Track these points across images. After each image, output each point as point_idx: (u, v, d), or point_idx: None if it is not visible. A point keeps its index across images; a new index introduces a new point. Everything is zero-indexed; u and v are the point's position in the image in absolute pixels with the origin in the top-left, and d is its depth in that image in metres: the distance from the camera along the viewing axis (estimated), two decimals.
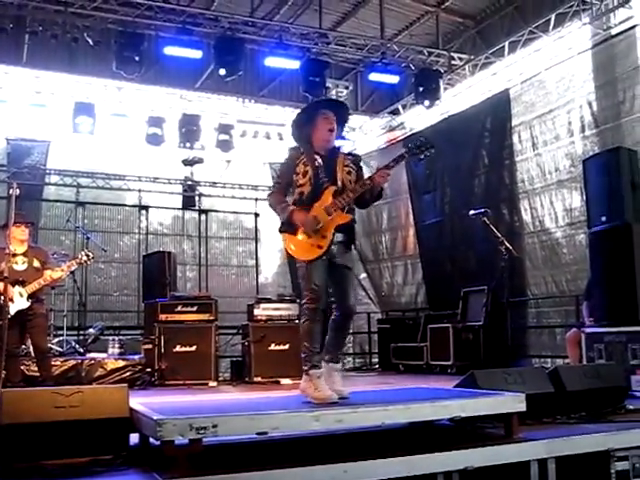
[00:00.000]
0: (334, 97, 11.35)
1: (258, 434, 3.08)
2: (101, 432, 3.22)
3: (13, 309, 6.02)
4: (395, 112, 13.18)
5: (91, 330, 9.55)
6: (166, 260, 9.73)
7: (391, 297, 13.00)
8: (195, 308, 8.58)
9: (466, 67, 11.42)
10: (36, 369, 6.59)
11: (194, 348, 8.34)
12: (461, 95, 11.80)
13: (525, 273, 9.67)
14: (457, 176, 11.01)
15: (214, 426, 2.92)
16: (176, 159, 12.61)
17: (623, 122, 8.34)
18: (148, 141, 11.63)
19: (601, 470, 3.66)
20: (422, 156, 4.19)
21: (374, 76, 11.29)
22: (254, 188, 13.80)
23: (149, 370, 8.15)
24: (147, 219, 12.92)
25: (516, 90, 10.06)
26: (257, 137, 13.09)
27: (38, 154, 11.81)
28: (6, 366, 5.49)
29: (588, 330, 6.42)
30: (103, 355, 8.42)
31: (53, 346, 8.31)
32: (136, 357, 8.34)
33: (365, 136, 14.05)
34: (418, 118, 12.68)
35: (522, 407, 3.67)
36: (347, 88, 12.09)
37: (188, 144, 12.02)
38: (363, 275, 13.38)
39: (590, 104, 8.81)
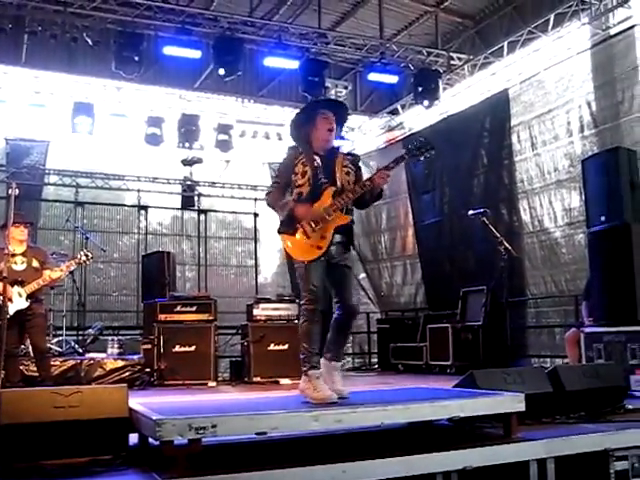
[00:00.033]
0: (333, 97, 11.35)
1: (257, 434, 3.08)
2: (100, 432, 3.22)
3: (12, 309, 6.02)
4: (394, 112, 13.18)
5: (90, 330, 9.54)
6: (165, 260, 9.73)
7: (390, 297, 13.00)
8: (194, 308, 8.58)
9: (465, 67, 11.42)
10: (35, 369, 6.58)
11: (193, 348, 8.33)
12: (460, 95, 11.81)
13: (524, 273, 9.68)
14: (456, 176, 11.01)
15: (213, 426, 2.92)
16: (175, 159, 12.60)
17: (622, 122, 8.35)
18: (147, 141, 11.63)
19: (600, 470, 3.67)
20: (422, 157, 4.19)
21: (373, 76, 11.29)
22: (253, 188, 13.81)
23: (148, 370, 8.15)
24: (146, 219, 12.91)
25: (515, 90, 10.07)
26: (256, 137, 13.09)
27: (37, 154, 11.81)
28: (5, 366, 5.48)
29: (587, 330, 6.42)
30: (102, 355, 8.42)
31: (52, 346, 8.31)
32: (135, 357, 8.34)
33: (364, 136, 14.05)
34: (417, 118, 12.68)
35: (521, 407, 3.67)
36: (346, 88, 12.09)
37: (187, 144, 12.03)
38: (362, 275, 13.39)
39: (589, 104, 8.82)
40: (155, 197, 13.15)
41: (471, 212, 7.29)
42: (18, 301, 6.15)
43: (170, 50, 9.87)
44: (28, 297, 6.20)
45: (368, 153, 13.30)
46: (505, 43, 10.44)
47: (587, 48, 9.12)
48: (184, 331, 8.42)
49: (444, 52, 11.50)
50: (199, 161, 12.70)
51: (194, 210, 13.35)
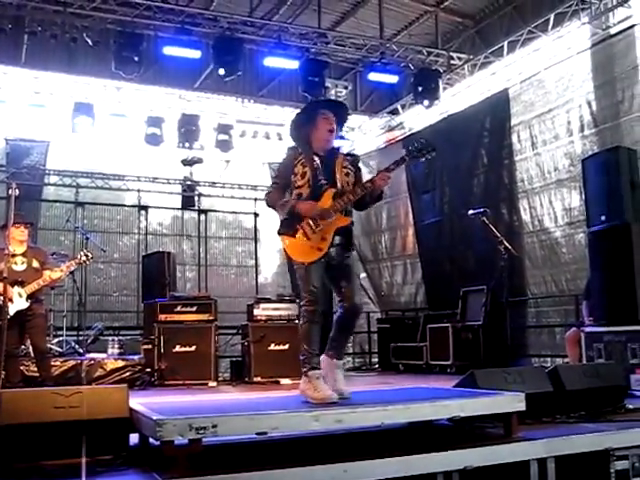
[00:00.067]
0: (333, 97, 11.36)
1: (258, 434, 3.08)
2: (101, 432, 3.22)
3: (12, 309, 6.02)
4: (394, 112, 13.18)
5: (90, 332, 9.54)
6: (165, 260, 9.73)
7: (390, 297, 13.00)
8: (195, 308, 8.58)
9: (465, 67, 11.43)
10: (35, 369, 6.58)
11: (194, 348, 8.33)
12: (460, 95, 11.81)
13: (524, 273, 9.68)
14: (456, 176, 11.01)
15: (214, 426, 2.92)
16: (175, 159, 12.61)
17: (622, 121, 8.35)
18: (147, 141, 11.63)
19: (601, 469, 3.67)
20: (423, 159, 4.18)
21: (373, 76, 11.29)
22: (253, 188, 13.80)
23: (149, 370, 8.15)
24: (146, 219, 12.91)
25: (515, 90, 10.07)
26: (256, 137, 13.09)
27: (37, 154, 11.81)
28: (5, 366, 5.48)
29: (587, 329, 6.42)
30: (103, 355, 8.42)
31: (53, 346, 8.31)
32: (136, 357, 8.33)
33: (364, 136, 14.05)
34: (417, 118, 12.68)
35: (522, 407, 3.67)
36: (346, 88, 12.09)
37: (187, 144, 12.03)
38: (362, 275, 13.38)
39: (589, 103, 8.82)
40: (155, 197, 13.15)
41: (471, 212, 7.30)
42: (18, 301, 6.15)
43: (170, 50, 9.87)
44: (28, 297, 6.20)
45: (368, 153, 13.31)
46: (505, 43, 10.44)
47: (587, 48, 9.12)
48: (184, 331, 8.42)
49: (444, 52, 11.50)
50: (199, 161, 12.70)
51: (194, 210, 13.35)
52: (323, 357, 4.07)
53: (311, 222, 3.99)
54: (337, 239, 4.04)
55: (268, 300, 9.14)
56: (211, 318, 8.57)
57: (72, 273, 8.21)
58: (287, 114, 12.56)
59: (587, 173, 6.85)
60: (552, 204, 9.35)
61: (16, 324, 6.07)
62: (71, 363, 7.80)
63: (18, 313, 6.12)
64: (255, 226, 13.71)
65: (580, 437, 3.68)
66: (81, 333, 9.64)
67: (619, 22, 8.97)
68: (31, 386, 5.87)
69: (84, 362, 7.89)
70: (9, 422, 3.07)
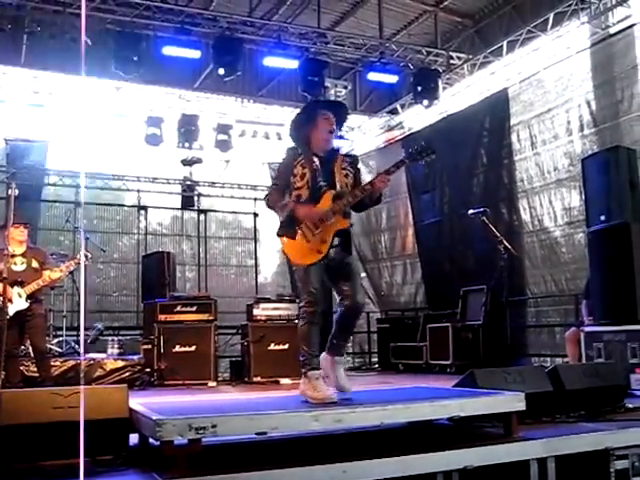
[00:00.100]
0: (333, 97, 11.38)
1: (257, 434, 3.08)
2: (100, 433, 3.21)
3: (12, 310, 6.02)
4: (394, 112, 13.18)
5: (89, 332, 9.54)
6: (165, 260, 9.73)
7: (390, 297, 13.00)
8: (194, 308, 8.57)
9: (465, 66, 11.43)
10: (35, 370, 6.59)
11: (193, 348, 8.33)
12: (460, 94, 11.81)
13: (524, 272, 9.68)
14: (456, 175, 11.01)
15: (213, 426, 2.92)
16: (175, 159, 12.60)
17: (621, 121, 8.35)
18: (147, 141, 11.63)
19: (601, 469, 3.67)
20: (422, 162, 4.18)
21: (373, 76, 11.29)
22: (253, 188, 13.81)
23: (148, 370, 8.15)
24: (146, 219, 12.91)
25: (515, 89, 10.07)
26: (256, 137, 13.09)
27: (37, 154, 11.80)
28: (5, 367, 5.48)
29: (587, 329, 6.42)
30: (102, 355, 8.41)
31: (52, 346, 8.31)
32: (135, 357, 8.33)
33: (364, 136, 14.05)
34: (417, 118, 12.69)
35: (521, 406, 3.67)
36: (346, 88, 12.09)
37: (187, 144, 12.03)
38: (362, 275, 13.36)
39: (589, 103, 8.82)
40: (155, 197, 13.16)
41: (471, 211, 7.30)
42: (18, 302, 6.15)
43: (169, 50, 9.87)
44: (28, 298, 6.20)
45: (367, 153, 13.31)
46: (504, 42, 10.45)
47: (586, 47, 9.12)
48: (184, 331, 8.41)
49: (443, 51, 11.50)
50: (199, 161, 12.70)
51: (194, 210, 13.35)
52: (323, 355, 4.08)
53: (310, 224, 3.98)
54: (336, 240, 4.02)
55: (268, 300, 9.14)
56: (211, 318, 8.57)
57: (72, 273, 8.21)
58: (287, 114, 12.57)
59: (587, 173, 6.85)
60: (552, 204, 9.35)
61: (16, 324, 6.08)
62: (71, 363, 7.78)
63: (18, 313, 6.12)
64: (255, 226, 13.72)
65: (580, 437, 3.68)
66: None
67: (618, 22, 8.98)
68: (31, 386, 5.87)
69: (83, 362, 7.89)
70: (9, 422, 3.07)
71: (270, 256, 13.90)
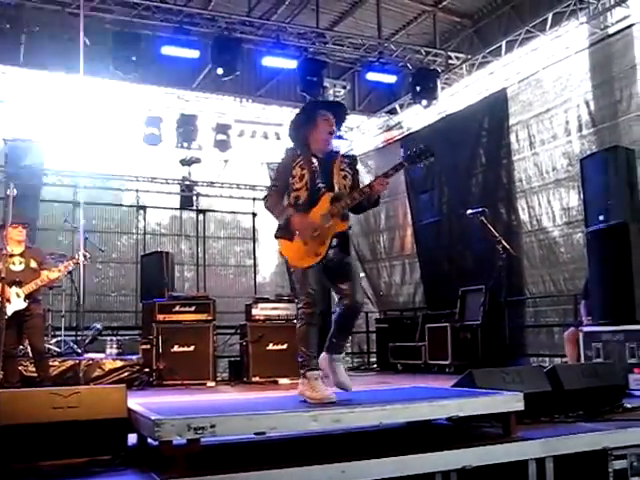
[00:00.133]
0: (331, 96, 11.38)
1: (256, 434, 3.08)
2: (99, 432, 3.21)
3: (10, 310, 6.01)
4: (392, 112, 13.19)
5: (88, 332, 9.54)
6: (164, 260, 9.72)
7: (389, 297, 13.00)
8: (193, 308, 8.57)
9: (463, 66, 11.44)
10: (34, 370, 6.58)
11: (192, 348, 8.33)
12: (458, 94, 11.81)
13: (523, 272, 9.68)
14: (454, 175, 11.01)
15: (212, 426, 2.92)
16: (174, 159, 12.60)
17: (620, 121, 8.35)
18: (145, 141, 11.63)
19: (599, 469, 3.67)
20: (421, 165, 4.17)
21: (371, 75, 11.30)
22: (252, 188, 13.81)
23: (147, 370, 8.14)
24: (145, 219, 12.91)
25: (513, 89, 10.07)
26: (255, 137, 13.09)
27: (35, 154, 11.77)
28: (4, 367, 5.50)
29: (586, 329, 6.42)
30: (101, 355, 8.41)
31: (51, 346, 8.30)
32: (134, 357, 8.32)
33: (362, 136, 14.05)
34: (415, 117, 12.69)
35: (520, 406, 3.67)
36: (344, 88, 12.09)
37: (185, 144, 12.03)
38: (361, 275, 13.37)
39: (587, 103, 8.83)
40: (153, 197, 13.15)
41: (469, 211, 7.31)
42: (16, 302, 6.14)
43: (168, 50, 9.87)
44: (26, 298, 6.20)
45: (366, 153, 13.32)
46: (503, 42, 10.46)
47: (585, 47, 9.13)
48: (183, 331, 8.41)
49: (442, 51, 11.51)
50: (197, 161, 12.70)
51: (193, 210, 13.36)
52: (322, 355, 4.07)
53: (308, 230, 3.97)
54: (334, 241, 4.02)
55: (266, 300, 9.14)
56: (209, 318, 8.57)
57: (70, 273, 8.21)
58: (285, 114, 12.58)
59: (585, 173, 6.86)
60: (550, 204, 9.35)
61: (14, 324, 6.07)
62: (69, 363, 7.79)
63: (16, 313, 6.11)
64: (253, 226, 13.72)
65: (578, 437, 3.68)
66: (79, 333, 9.66)
67: (617, 22, 8.98)
68: (29, 386, 5.86)
69: (82, 362, 7.89)
70: (7, 422, 3.06)
71: (269, 256, 13.89)
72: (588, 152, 8.20)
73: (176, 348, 8.29)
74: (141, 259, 11.16)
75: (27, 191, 10.81)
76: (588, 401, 4.41)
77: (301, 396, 3.91)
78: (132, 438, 3.41)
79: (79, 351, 8.65)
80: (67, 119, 10.90)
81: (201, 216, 13.40)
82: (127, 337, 10.24)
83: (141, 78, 10.46)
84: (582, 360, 6.24)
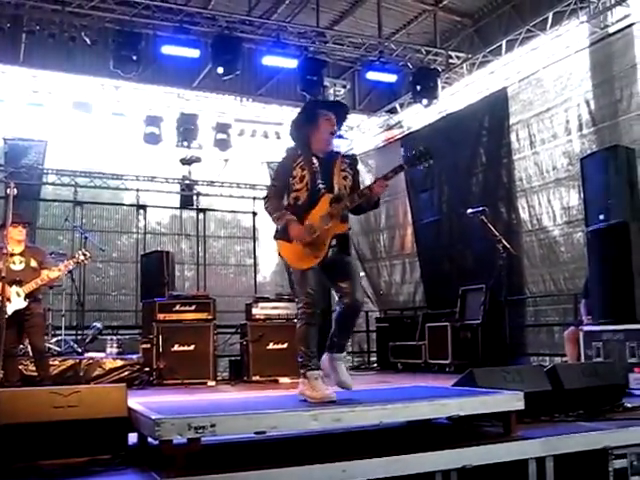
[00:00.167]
0: (332, 96, 11.38)
1: (256, 433, 3.08)
2: (99, 432, 3.21)
3: (10, 309, 6.01)
4: (393, 111, 13.19)
5: (88, 331, 9.54)
6: (164, 259, 9.72)
7: (389, 296, 13.00)
8: (193, 307, 8.57)
9: (464, 66, 11.43)
10: (34, 369, 6.58)
11: (192, 347, 8.32)
12: (459, 94, 11.81)
13: (523, 271, 9.68)
14: (455, 175, 11.01)
15: (212, 425, 2.92)
16: (174, 158, 12.60)
17: (620, 120, 8.35)
18: (146, 140, 11.62)
19: (599, 468, 3.67)
20: (421, 167, 4.16)
21: (372, 75, 11.29)
22: (252, 187, 13.80)
23: (147, 369, 8.15)
24: (145, 218, 12.90)
25: (514, 89, 10.07)
26: (255, 136, 13.08)
27: (35, 153, 11.80)
28: (4, 366, 5.50)
29: (586, 328, 6.42)
30: (101, 355, 8.42)
31: (51, 346, 8.31)
32: (134, 356, 8.33)
33: (363, 135, 14.05)
34: (416, 117, 12.69)
35: (520, 405, 3.67)
36: (345, 87, 12.09)
37: (186, 143, 12.03)
38: (361, 274, 13.38)
39: (588, 102, 8.82)
40: (154, 196, 13.15)
41: (470, 211, 7.31)
42: (16, 301, 6.14)
43: (168, 49, 9.87)
44: (26, 297, 6.20)
45: (366, 152, 13.32)
46: (504, 42, 10.45)
47: (585, 46, 9.12)
48: (183, 330, 8.41)
49: (443, 51, 11.51)
50: (198, 160, 12.70)
51: (193, 209, 13.35)
52: (324, 357, 4.07)
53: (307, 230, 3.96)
54: (334, 241, 4.02)
55: (267, 299, 9.15)
56: (210, 317, 8.57)
57: (71, 272, 8.22)
58: (285, 113, 12.58)
59: (586, 172, 6.85)
60: (551, 203, 9.35)
61: (14, 323, 6.07)
62: (70, 362, 7.80)
63: (16, 312, 6.11)
64: (254, 225, 13.71)
65: (578, 436, 3.68)
66: (80, 332, 9.67)
67: (617, 21, 8.98)
68: (29, 385, 5.86)
69: (83, 361, 7.91)
70: (7, 422, 3.06)
71: (269, 255, 13.88)
72: (588, 151, 8.20)
73: (176, 347, 8.29)
74: (141, 258, 11.15)
75: (27, 190, 10.87)
76: (588, 400, 4.41)
77: (301, 396, 3.91)
78: (132, 437, 3.41)
79: (79, 350, 8.66)
80: (67, 118, 10.88)
81: (201, 215, 13.39)
82: (127, 336, 10.24)
83: (141, 77, 10.46)
84: (582, 359, 6.24)
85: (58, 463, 3.07)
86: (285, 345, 8.51)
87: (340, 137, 12.27)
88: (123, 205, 13.07)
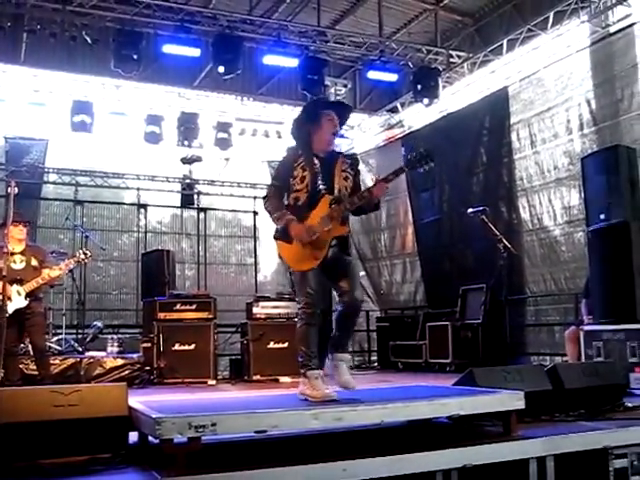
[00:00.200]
0: (332, 95, 11.38)
1: (257, 432, 3.08)
2: (100, 431, 3.22)
3: (11, 308, 6.02)
4: (394, 110, 13.18)
5: (89, 330, 9.55)
6: (165, 258, 9.71)
7: (390, 295, 13.00)
8: (194, 306, 8.57)
9: (465, 65, 11.43)
10: (35, 368, 6.59)
11: (193, 346, 8.33)
12: (460, 93, 11.80)
13: (524, 271, 9.68)
14: (456, 174, 11.00)
15: (213, 424, 2.92)
16: (174, 157, 12.60)
17: (621, 120, 8.35)
18: (146, 139, 11.62)
19: (600, 468, 3.67)
20: (422, 170, 4.16)
21: (373, 74, 11.28)
22: (253, 186, 13.79)
23: (148, 368, 8.15)
24: (146, 217, 12.90)
25: (515, 88, 10.06)
26: (256, 135, 13.07)
27: (36, 152, 11.80)
28: (5, 365, 5.50)
29: (587, 328, 6.42)
30: (102, 354, 8.42)
31: (52, 345, 8.31)
32: (135, 356, 8.34)
33: (363, 134, 14.04)
34: (417, 116, 12.67)
35: (521, 405, 3.68)
36: (345, 86, 12.09)
37: (186, 142, 12.01)
38: (362, 273, 13.36)
39: (588, 102, 8.82)
40: (154, 195, 13.15)
41: (470, 210, 7.31)
42: (17, 300, 6.15)
43: (169, 48, 9.86)
44: (27, 296, 6.20)
45: (367, 151, 13.32)
46: (505, 41, 10.45)
47: (586, 46, 9.12)
48: (184, 329, 8.41)
49: (443, 50, 11.50)
50: (198, 159, 12.69)
51: (193, 208, 13.35)
52: (328, 360, 4.06)
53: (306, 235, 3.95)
54: (334, 242, 4.01)
55: (267, 298, 9.15)
56: (210, 316, 8.57)
57: (71, 271, 8.22)
58: (286, 112, 12.59)
59: (586, 172, 6.85)
60: (551, 202, 9.35)
61: (15, 322, 6.08)
62: (70, 361, 7.80)
63: (17, 311, 6.12)
64: (254, 224, 13.71)
65: (579, 435, 3.68)
66: (80, 331, 9.67)
67: (619, 20, 8.98)
68: (30, 384, 5.87)
69: (83, 360, 7.91)
70: (8, 420, 3.07)
71: (270, 254, 13.86)
72: (589, 151, 8.20)
73: (177, 346, 8.29)
74: (142, 257, 11.14)
75: (28, 189, 10.86)
76: (589, 400, 4.41)
77: (302, 396, 3.91)
78: (133, 436, 3.41)
79: (80, 349, 8.67)
80: (68, 117, 10.88)
81: (202, 214, 13.39)
82: (128, 335, 10.26)
83: (142, 76, 10.46)
84: (583, 359, 6.25)
85: (58, 462, 3.08)
86: (286, 344, 8.51)
87: (341, 136, 12.27)
88: (124, 204, 13.07)
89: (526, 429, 3.73)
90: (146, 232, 12.83)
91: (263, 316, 8.86)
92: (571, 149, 9.03)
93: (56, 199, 12.24)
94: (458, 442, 3.44)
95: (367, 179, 10.20)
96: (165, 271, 9.52)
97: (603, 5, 9.16)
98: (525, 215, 9.77)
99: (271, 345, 8.61)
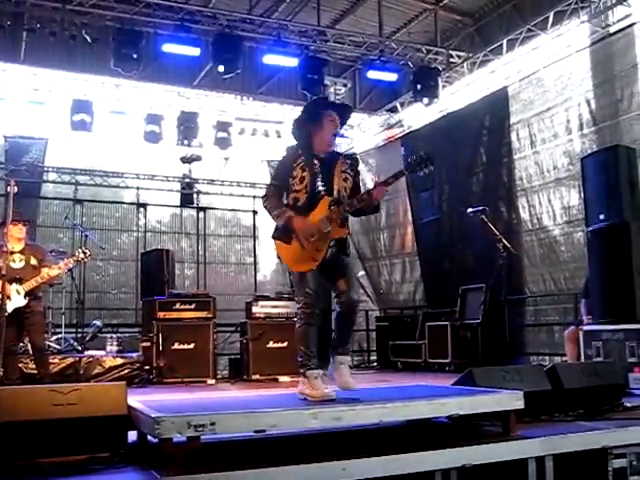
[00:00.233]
0: (332, 95, 11.37)
1: (256, 432, 3.08)
2: (99, 430, 3.22)
3: (10, 307, 6.01)
4: (393, 110, 13.19)
5: (88, 329, 9.54)
6: (164, 258, 9.71)
7: (389, 295, 13.00)
8: (193, 306, 8.57)
9: (464, 65, 11.43)
10: (34, 367, 6.58)
11: (192, 346, 8.33)
12: (459, 93, 11.80)
13: (523, 271, 9.68)
14: (455, 174, 11.00)
15: (212, 424, 2.93)
16: (174, 157, 12.60)
17: (621, 120, 8.34)
18: (146, 138, 11.62)
19: (599, 467, 3.67)
20: (421, 173, 4.16)
21: (372, 74, 11.27)
22: (252, 186, 13.80)
23: (147, 368, 8.15)
24: (145, 217, 12.91)
25: (514, 88, 10.06)
26: (255, 135, 13.06)
27: (36, 151, 11.80)
28: (4, 364, 5.50)
29: (586, 328, 6.42)
30: (101, 353, 8.42)
31: (51, 344, 8.30)
32: (134, 355, 8.34)
33: (363, 134, 14.05)
34: (416, 116, 12.68)
35: (520, 405, 3.68)
36: (345, 86, 12.08)
37: (186, 141, 12.01)
38: (361, 273, 13.38)
39: (588, 102, 8.81)
40: (154, 195, 13.16)
41: (470, 210, 7.30)
42: (16, 299, 6.15)
43: (169, 47, 9.85)
44: (26, 295, 6.20)
45: (367, 151, 13.32)
46: (504, 41, 10.45)
47: (586, 46, 9.12)
48: (183, 329, 8.41)
49: (443, 50, 11.50)
50: (198, 159, 12.69)
51: (193, 208, 13.35)
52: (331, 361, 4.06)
53: (307, 234, 3.94)
54: (332, 242, 4.01)
55: (267, 298, 9.15)
56: (210, 316, 8.57)
57: (71, 270, 8.21)
58: (286, 112, 12.59)
59: (586, 172, 6.85)
60: (551, 202, 9.35)
61: (14, 321, 6.07)
62: (70, 360, 7.80)
63: (16, 310, 6.12)
64: (254, 224, 13.72)
65: (578, 435, 3.68)
66: (80, 330, 9.67)
67: (618, 20, 8.98)
68: (29, 383, 5.87)
69: (83, 359, 7.91)
70: (7, 419, 3.07)
71: (269, 254, 13.86)
72: (589, 151, 8.19)
73: (176, 346, 8.29)
74: (141, 257, 11.15)
75: (27, 188, 10.85)
76: (588, 400, 4.41)
77: (301, 395, 3.91)
78: (132, 435, 3.42)
79: (79, 348, 8.66)
80: (68, 116, 10.87)
81: (201, 214, 13.40)
82: (127, 334, 10.25)
83: (142, 76, 10.46)
84: (582, 359, 6.25)
85: (58, 461, 3.08)
86: (285, 344, 8.51)
87: (341, 136, 12.27)
88: (123, 203, 13.07)
89: (525, 429, 3.73)
90: (145, 231, 12.84)
91: (262, 315, 8.86)
92: (571, 149, 9.02)
93: (56, 198, 12.24)
94: (457, 442, 3.44)
95: (367, 179, 10.21)
96: (164, 270, 9.52)
97: (603, 5, 9.17)
98: (525, 215, 9.76)
99: (270, 344, 8.62)
